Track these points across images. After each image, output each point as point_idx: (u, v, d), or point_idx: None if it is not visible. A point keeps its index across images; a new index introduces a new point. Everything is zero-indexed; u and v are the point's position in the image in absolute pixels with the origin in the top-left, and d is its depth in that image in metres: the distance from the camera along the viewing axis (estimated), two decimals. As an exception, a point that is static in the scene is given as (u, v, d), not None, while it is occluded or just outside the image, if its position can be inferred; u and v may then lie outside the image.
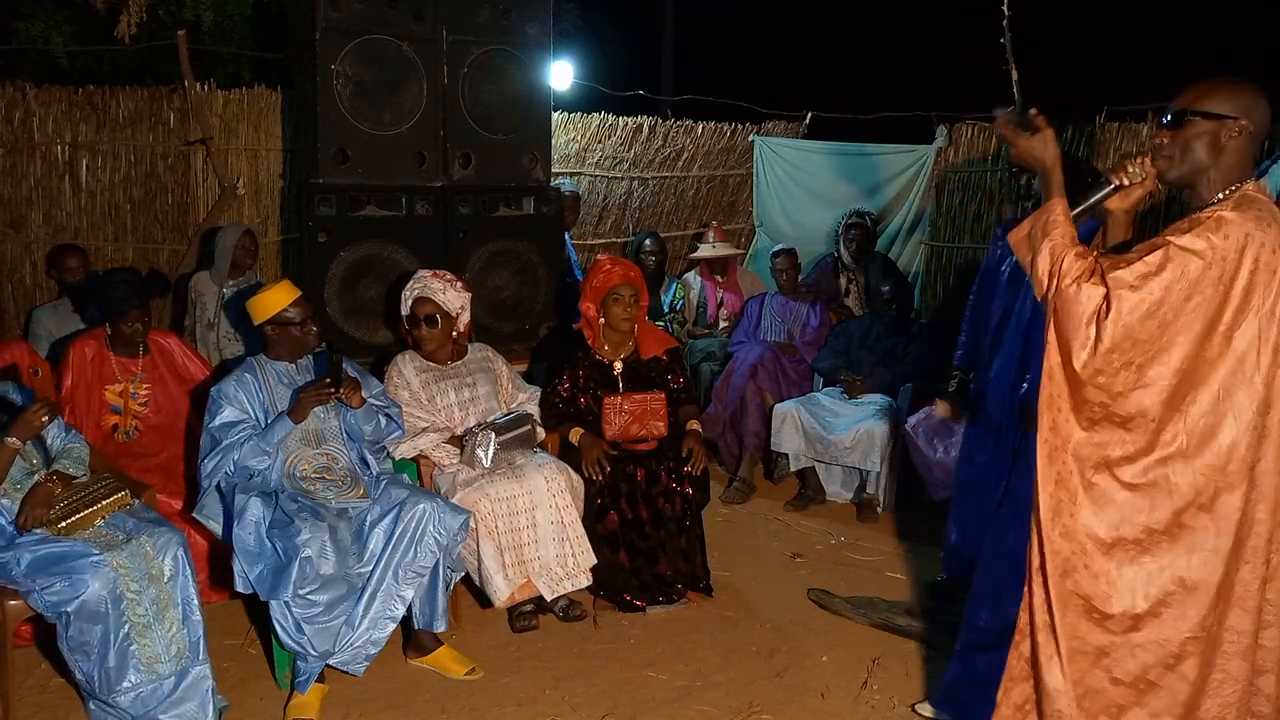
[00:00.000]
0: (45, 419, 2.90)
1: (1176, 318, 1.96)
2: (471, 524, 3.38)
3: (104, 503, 3.01)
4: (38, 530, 2.89)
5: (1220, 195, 2.07)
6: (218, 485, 3.27)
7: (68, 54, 7.18)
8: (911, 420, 4.70)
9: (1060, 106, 6.72)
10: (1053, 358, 2.05)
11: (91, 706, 2.88)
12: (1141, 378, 1.99)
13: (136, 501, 3.14)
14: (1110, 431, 2.04)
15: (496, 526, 3.47)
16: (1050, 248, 2.04)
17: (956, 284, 7.00)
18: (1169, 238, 1.99)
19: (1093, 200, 2.16)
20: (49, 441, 3.12)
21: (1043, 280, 2.04)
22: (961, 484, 3.72)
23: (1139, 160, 2.12)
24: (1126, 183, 2.13)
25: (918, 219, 7.25)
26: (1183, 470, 2.02)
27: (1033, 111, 2.18)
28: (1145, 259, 1.97)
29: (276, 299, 3.35)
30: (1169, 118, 2.11)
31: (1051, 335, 2.04)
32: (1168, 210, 5.34)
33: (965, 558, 3.51)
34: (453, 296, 3.79)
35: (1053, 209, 2.08)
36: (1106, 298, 1.96)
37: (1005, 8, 6.63)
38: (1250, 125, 2.05)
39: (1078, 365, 1.99)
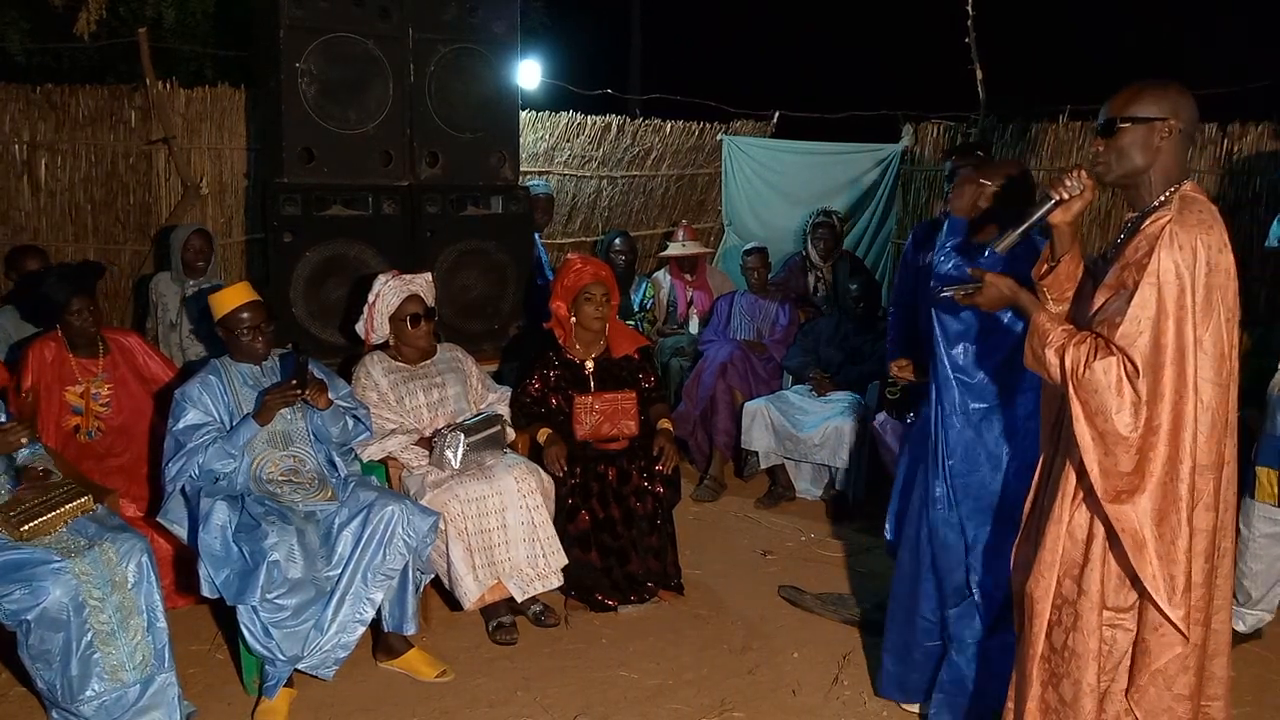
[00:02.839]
0: (23, 441, 2.88)
1: (1177, 337, 2.00)
2: (441, 525, 3.36)
3: (65, 508, 2.95)
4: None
5: (1161, 197, 2.12)
6: (182, 489, 3.22)
7: (25, 51, 7.06)
8: (880, 417, 4.74)
9: (1024, 105, 6.84)
10: (1089, 456, 2.05)
11: (54, 715, 2.83)
12: (1165, 403, 2.02)
13: (99, 507, 3.09)
14: (1157, 466, 2.05)
15: (466, 528, 3.46)
16: (1054, 352, 2.10)
17: (923, 282, 7.07)
18: (1143, 271, 2.02)
19: (1035, 217, 2.23)
20: (16, 453, 3.08)
21: (1060, 382, 2.10)
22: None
23: (1076, 173, 2.18)
24: (1066, 197, 2.19)
25: (884, 217, 7.31)
26: (1194, 474, 2.06)
27: (972, 270, 2.40)
28: (1136, 302, 2.01)
29: (228, 299, 3.32)
30: (1101, 126, 2.17)
31: (1082, 429, 2.05)
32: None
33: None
34: (430, 295, 3.80)
35: (1037, 324, 2.18)
36: (1125, 359, 2.01)
37: (969, 8, 6.73)
38: (1179, 124, 2.11)
39: (1126, 431, 2.01)
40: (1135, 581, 2.09)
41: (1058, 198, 2.19)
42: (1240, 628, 3.51)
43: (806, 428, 4.90)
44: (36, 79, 5.90)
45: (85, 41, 6.32)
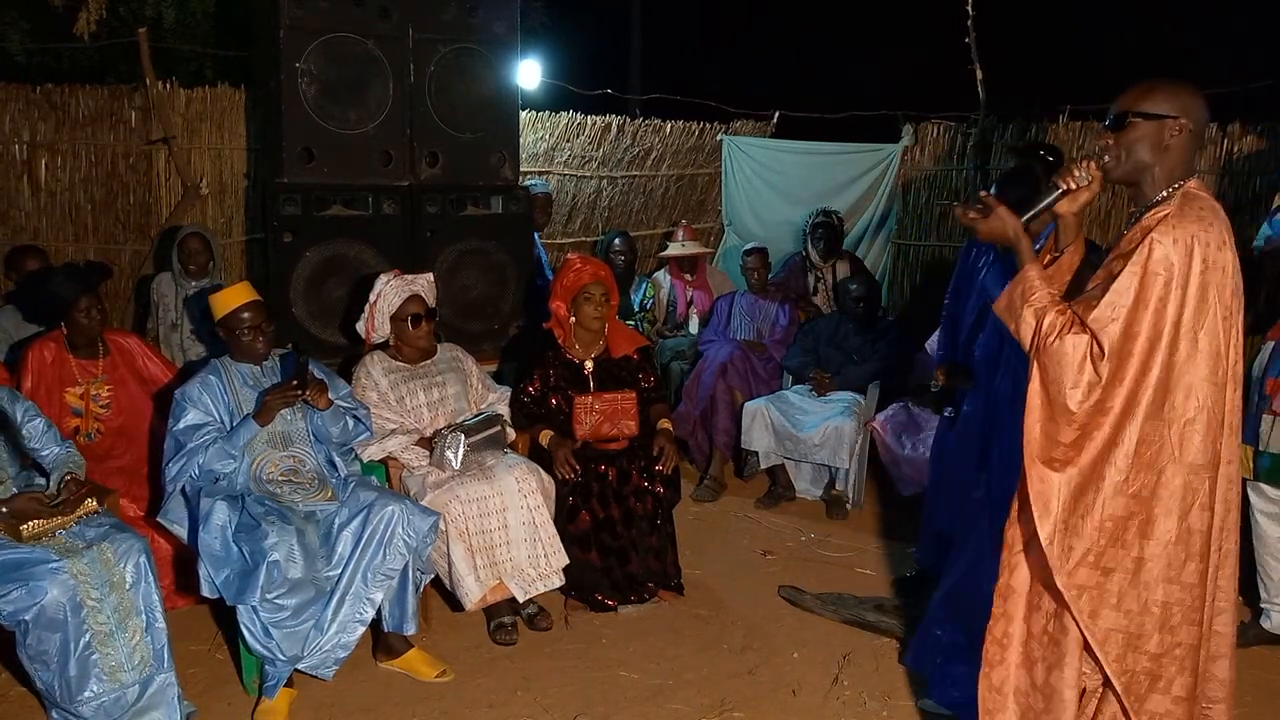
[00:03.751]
0: (38, 520, 2.88)
1: (1151, 328, 2.01)
2: (441, 526, 3.36)
3: (70, 513, 2.96)
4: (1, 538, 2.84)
5: (1164, 193, 2.13)
6: (182, 489, 3.22)
7: (25, 51, 7.06)
8: (879, 417, 4.73)
9: (1023, 104, 6.84)
10: (1033, 415, 2.09)
11: (54, 715, 2.83)
12: (1122, 388, 2.04)
13: (101, 509, 3.08)
14: (1093, 454, 2.07)
15: (467, 528, 3.45)
16: (1033, 311, 2.11)
17: (923, 282, 7.07)
18: (1128, 260, 2.04)
19: (1042, 206, 2.24)
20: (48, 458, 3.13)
21: (1028, 341, 2.11)
22: (939, 478, 3.79)
23: (1085, 165, 2.19)
24: (1074, 187, 2.20)
25: (884, 218, 7.31)
26: (1175, 473, 2.06)
27: (982, 194, 2.30)
28: (1115, 288, 2.02)
29: (228, 299, 3.32)
30: (1111, 120, 2.18)
31: (1035, 388, 2.08)
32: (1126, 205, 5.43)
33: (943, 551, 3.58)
34: (432, 295, 3.80)
35: (1028, 276, 2.16)
36: (1094, 340, 2.03)
37: (969, 8, 6.73)
38: (1190, 124, 2.12)
39: (1073, 406, 2.05)
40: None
41: (1065, 187, 2.20)
42: (1267, 625, 3.49)
43: (806, 428, 4.90)
44: (36, 79, 5.90)
45: (85, 41, 6.32)
